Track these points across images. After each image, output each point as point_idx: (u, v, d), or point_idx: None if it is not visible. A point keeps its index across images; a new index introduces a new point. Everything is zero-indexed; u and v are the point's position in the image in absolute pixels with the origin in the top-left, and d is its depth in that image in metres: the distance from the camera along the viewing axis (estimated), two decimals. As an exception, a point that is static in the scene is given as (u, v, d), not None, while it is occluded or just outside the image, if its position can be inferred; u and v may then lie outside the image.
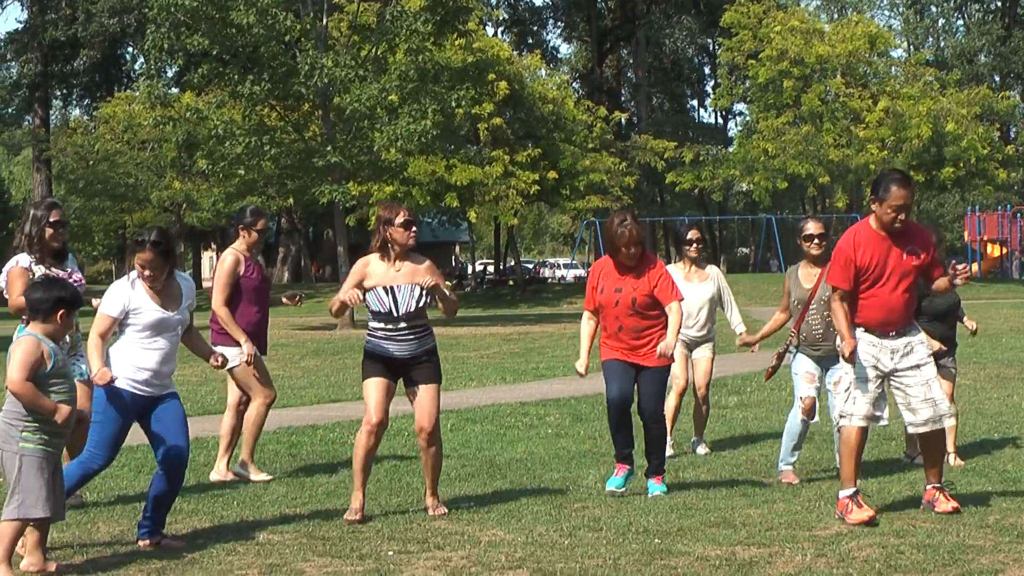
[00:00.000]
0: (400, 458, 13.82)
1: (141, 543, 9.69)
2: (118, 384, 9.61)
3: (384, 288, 10.69)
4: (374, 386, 10.78)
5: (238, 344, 12.68)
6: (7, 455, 8.80)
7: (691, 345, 14.44)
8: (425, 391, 10.91)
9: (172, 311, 9.83)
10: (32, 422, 8.75)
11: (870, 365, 10.47)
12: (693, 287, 14.08)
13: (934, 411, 10.61)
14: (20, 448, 8.74)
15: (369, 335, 10.83)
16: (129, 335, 9.76)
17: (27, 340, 8.84)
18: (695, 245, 14.26)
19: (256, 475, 12.81)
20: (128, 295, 9.75)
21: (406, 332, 10.79)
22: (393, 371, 10.84)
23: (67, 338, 10.24)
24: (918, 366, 10.62)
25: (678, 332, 11.69)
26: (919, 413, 10.58)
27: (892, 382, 10.59)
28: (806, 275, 12.52)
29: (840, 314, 10.48)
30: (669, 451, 14.17)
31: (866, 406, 10.47)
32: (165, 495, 9.89)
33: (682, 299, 11.78)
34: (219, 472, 12.93)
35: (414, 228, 10.86)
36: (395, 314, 10.70)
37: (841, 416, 10.56)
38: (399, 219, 10.78)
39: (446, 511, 10.83)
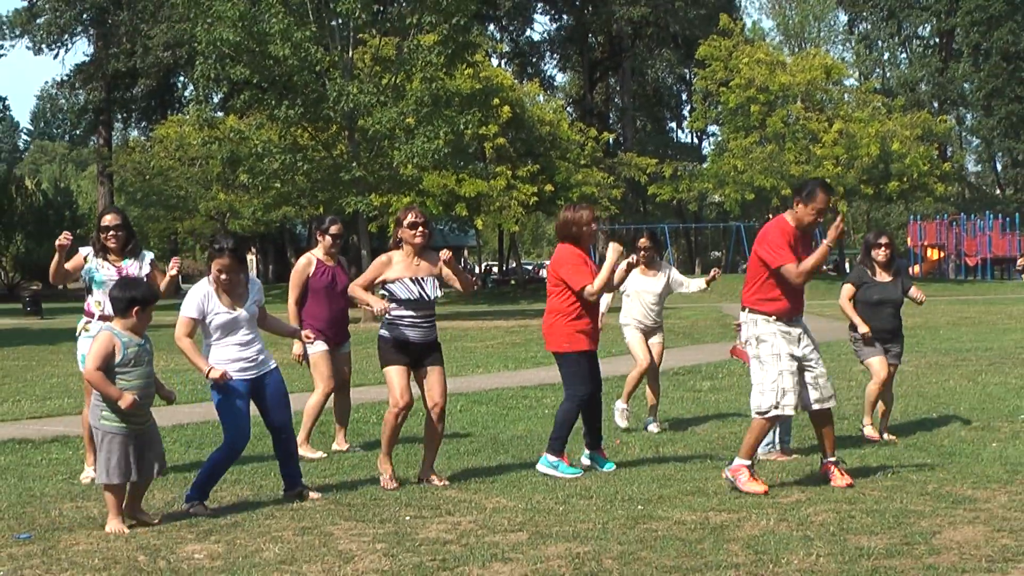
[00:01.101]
0: (417, 436, 13.80)
1: (291, 494, 10.09)
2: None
3: (411, 279, 10.70)
4: (398, 372, 10.72)
5: (322, 338, 12.75)
6: (95, 431, 9.17)
7: (648, 332, 14.44)
8: (438, 372, 10.91)
9: (239, 310, 9.87)
10: (110, 404, 8.92)
11: (789, 356, 10.28)
12: (647, 280, 14.16)
13: (831, 388, 10.55)
14: (101, 425, 9.02)
15: (391, 323, 10.72)
16: (208, 333, 9.84)
17: (103, 334, 9.13)
18: (642, 252, 14.17)
19: (308, 452, 12.73)
20: (204, 298, 9.78)
21: (425, 319, 10.81)
22: (408, 356, 10.78)
23: None
24: (815, 348, 10.53)
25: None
26: (824, 390, 10.45)
27: (803, 365, 10.41)
28: None
29: (805, 261, 10.20)
30: (655, 428, 14.24)
31: (794, 395, 10.24)
32: (283, 454, 10.20)
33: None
34: (337, 443, 13.14)
35: (420, 228, 10.83)
36: (425, 299, 10.72)
37: (775, 406, 10.20)
38: (406, 220, 10.82)
39: (447, 482, 10.85)
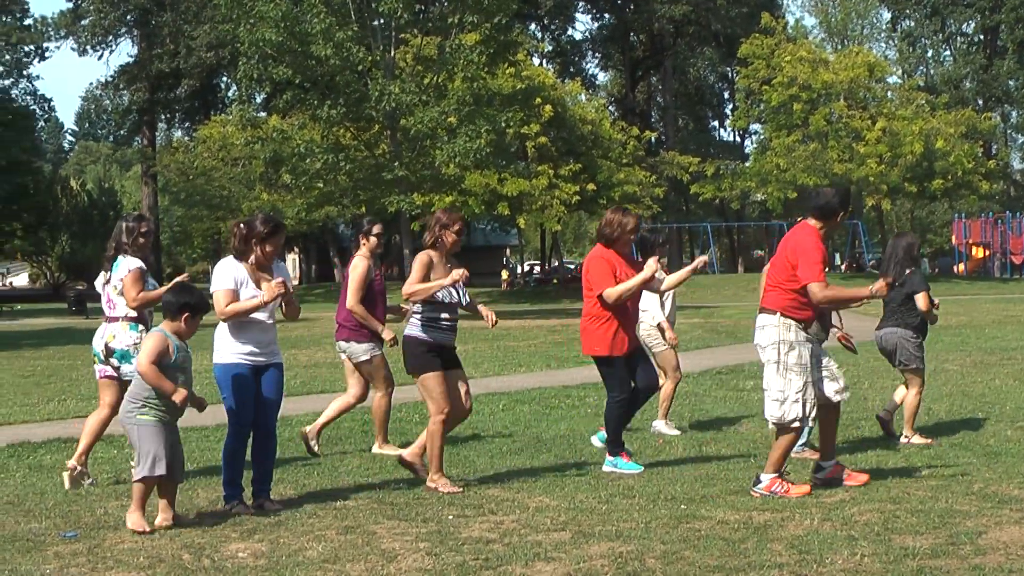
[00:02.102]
0: (458, 435, 13.80)
1: (253, 503, 9.84)
2: (229, 360, 9.76)
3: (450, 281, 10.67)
4: (440, 378, 10.58)
5: (369, 341, 12.75)
6: (129, 427, 9.20)
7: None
8: (463, 376, 10.93)
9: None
10: (150, 400, 9.04)
11: (812, 361, 10.15)
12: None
13: (843, 383, 10.45)
14: (138, 420, 9.09)
15: (432, 327, 10.62)
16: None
17: (156, 334, 9.23)
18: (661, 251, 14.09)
19: (391, 450, 12.75)
20: (236, 273, 9.81)
21: (455, 322, 10.82)
22: (441, 360, 10.68)
23: None
24: (823, 348, 10.54)
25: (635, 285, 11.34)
26: (841, 379, 10.37)
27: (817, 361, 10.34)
28: None
29: (837, 289, 10.26)
30: (676, 431, 14.08)
31: (813, 405, 10.12)
32: (258, 456, 10.00)
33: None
34: (377, 447, 13.03)
35: (461, 237, 10.93)
36: (462, 303, 10.73)
37: (803, 419, 10.05)
38: (455, 227, 10.79)
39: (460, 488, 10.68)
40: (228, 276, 9.79)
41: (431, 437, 10.60)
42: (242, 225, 9.95)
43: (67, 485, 10.97)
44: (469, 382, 11.16)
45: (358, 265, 12.82)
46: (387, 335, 12.63)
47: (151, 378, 9.01)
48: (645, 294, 12.72)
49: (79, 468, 11.12)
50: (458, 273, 10.48)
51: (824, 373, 10.30)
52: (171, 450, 9.14)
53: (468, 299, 10.83)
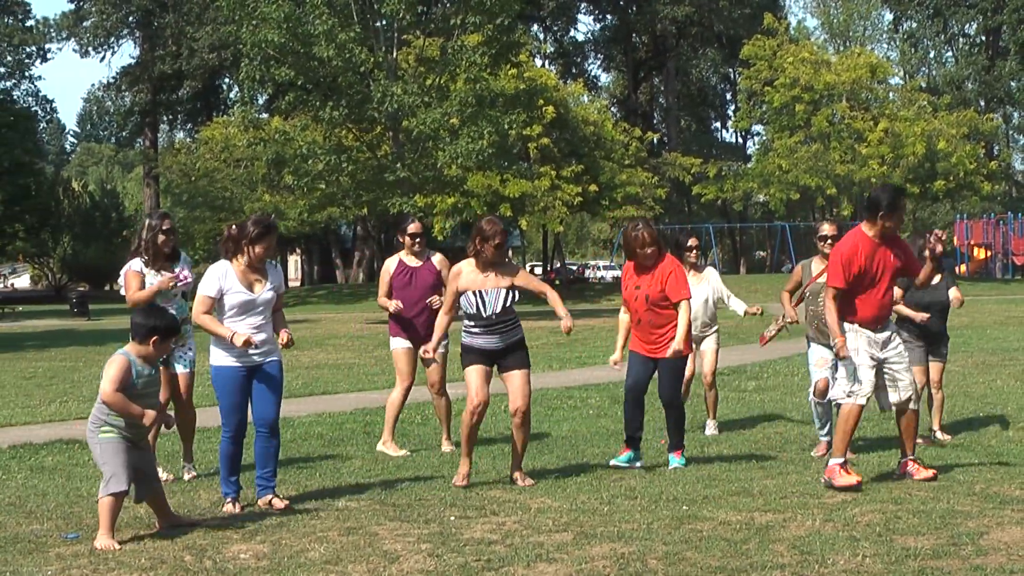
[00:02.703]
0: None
1: (260, 501, 9.89)
2: (223, 362, 9.83)
3: (474, 292, 10.72)
4: (475, 372, 10.82)
5: (396, 335, 12.95)
6: (92, 445, 9.05)
7: (696, 339, 14.34)
8: (519, 376, 10.98)
9: (259, 291, 9.94)
10: (109, 419, 8.90)
11: (868, 355, 10.37)
12: (693, 288, 14.04)
13: (914, 390, 10.62)
14: (100, 440, 8.93)
15: (465, 331, 10.85)
16: (223, 312, 9.86)
17: (119, 359, 8.97)
18: (694, 251, 14.25)
19: (392, 450, 12.81)
20: (223, 276, 9.85)
21: (496, 327, 10.82)
22: (489, 358, 10.88)
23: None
24: (900, 352, 10.60)
25: (687, 328, 11.61)
26: (904, 392, 10.53)
27: (883, 368, 10.50)
28: (818, 269, 12.45)
29: (833, 311, 10.39)
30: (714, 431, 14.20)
31: (870, 387, 10.35)
32: (260, 454, 10.03)
33: (689, 297, 11.66)
34: (381, 443, 13.13)
35: (504, 247, 10.93)
36: (483, 314, 10.73)
37: (848, 395, 10.37)
38: (496, 240, 10.78)
39: (532, 482, 10.84)
40: (214, 283, 9.87)
41: (461, 424, 11.07)
42: (234, 226, 10.02)
43: None
44: None
45: (386, 262, 13.17)
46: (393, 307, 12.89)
47: (117, 406, 8.80)
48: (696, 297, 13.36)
49: None
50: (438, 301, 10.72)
51: (886, 381, 10.57)
52: (139, 462, 8.97)
53: (497, 309, 10.77)
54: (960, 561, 7.65)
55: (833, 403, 10.81)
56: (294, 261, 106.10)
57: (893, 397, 10.58)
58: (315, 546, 8.41)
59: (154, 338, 8.99)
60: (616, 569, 7.64)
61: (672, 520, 8.99)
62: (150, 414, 8.92)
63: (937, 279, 13.30)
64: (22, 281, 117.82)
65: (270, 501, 9.92)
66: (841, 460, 10.30)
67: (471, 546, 8.32)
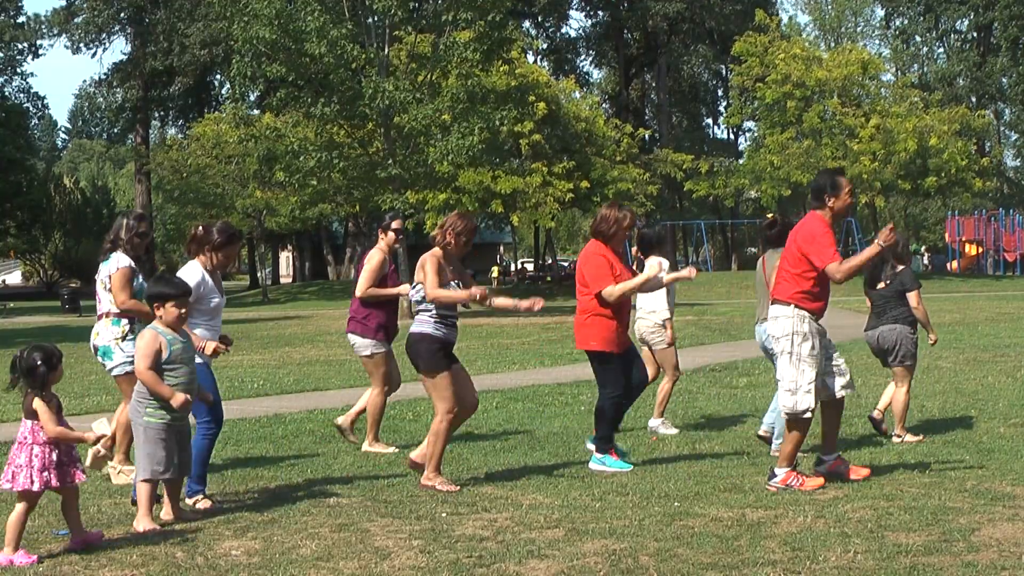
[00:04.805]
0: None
1: (189, 500, 9.78)
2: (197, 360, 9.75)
3: (455, 282, 10.65)
4: (451, 377, 10.57)
5: (375, 336, 12.75)
6: (135, 426, 9.20)
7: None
8: (465, 372, 10.90)
9: (222, 297, 10.17)
10: (154, 401, 8.99)
11: (817, 351, 10.20)
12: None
13: (849, 377, 10.53)
14: (144, 421, 9.07)
15: (441, 323, 10.58)
16: (201, 316, 9.89)
17: (147, 333, 9.17)
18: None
19: (381, 448, 12.78)
20: (203, 280, 9.91)
21: (456, 320, 10.81)
22: (448, 359, 10.71)
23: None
24: (831, 340, 10.52)
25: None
26: (846, 375, 10.45)
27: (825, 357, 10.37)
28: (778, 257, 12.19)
29: (852, 260, 10.11)
30: (673, 430, 13.99)
31: (813, 400, 10.14)
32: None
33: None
34: (367, 444, 12.98)
35: (471, 245, 10.93)
36: (457, 306, 10.72)
37: (811, 409, 10.13)
38: (468, 236, 10.77)
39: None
40: (193, 285, 9.82)
41: (437, 436, 10.56)
42: (200, 228, 10.11)
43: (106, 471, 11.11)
44: None
45: (374, 256, 12.91)
46: (406, 290, 12.54)
47: (148, 383, 8.97)
48: (655, 292, 12.82)
49: (103, 451, 11.02)
50: (479, 292, 10.49)
51: (832, 367, 10.40)
52: (176, 448, 9.11)
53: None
54: (952, 557, 7.65)
55: (782, 413, 10.46)
56: (286, 257, 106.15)
57: (841, 381, 10.39)
58: (306, 542, 8.41)
59: (168, 303, 9.12)
60: (608, 565, 7.63)
61: (663, 516, 8.99)
62: (179, 397, 8.97)
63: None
64: (13, 277, 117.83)
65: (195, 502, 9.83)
66: (790, 467, 10.18)
67: (463, 542, 8.31)
